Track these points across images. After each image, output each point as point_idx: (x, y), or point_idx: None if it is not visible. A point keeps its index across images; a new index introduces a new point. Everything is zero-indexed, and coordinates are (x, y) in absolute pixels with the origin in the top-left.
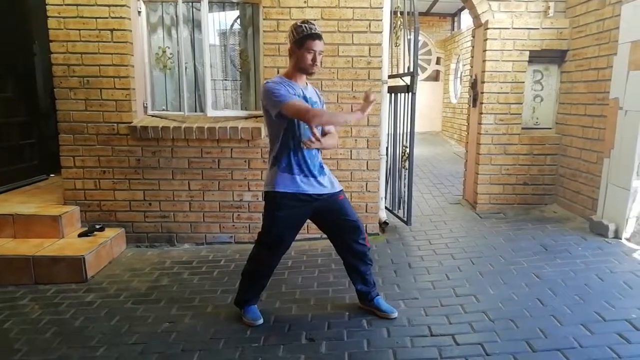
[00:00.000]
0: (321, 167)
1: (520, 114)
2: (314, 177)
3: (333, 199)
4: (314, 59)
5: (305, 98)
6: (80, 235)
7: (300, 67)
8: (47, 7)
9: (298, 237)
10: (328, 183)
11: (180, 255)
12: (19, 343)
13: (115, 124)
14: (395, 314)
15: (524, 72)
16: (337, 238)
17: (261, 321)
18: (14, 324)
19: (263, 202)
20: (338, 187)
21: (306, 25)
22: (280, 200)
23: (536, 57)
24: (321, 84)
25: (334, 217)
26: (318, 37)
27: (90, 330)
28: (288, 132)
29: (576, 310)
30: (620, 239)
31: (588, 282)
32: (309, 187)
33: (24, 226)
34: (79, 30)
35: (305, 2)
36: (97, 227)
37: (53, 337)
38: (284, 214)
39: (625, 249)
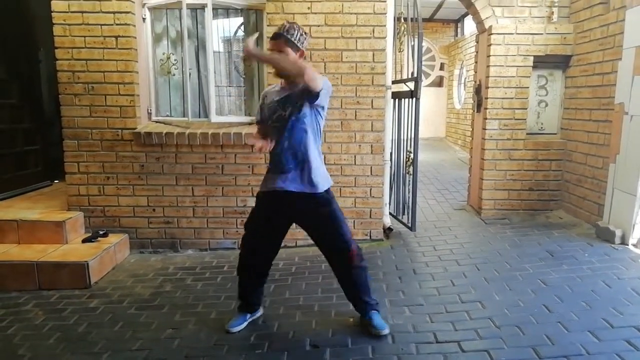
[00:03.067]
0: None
1: (524, 119)
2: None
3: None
4: None
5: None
6: (84, 241)
7: None
8: (52, 14)
9: (301, 242)
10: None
11: (183, 261)
12: (23, 349)
13: (120, 130)
14: (386, 331)
15: (529, 77)
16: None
17: (234, 330)
18: (18, 330)
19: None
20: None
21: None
22: None
23: (540, 62)
24: None
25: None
26: (272, 37)
27: (93, 336)
28: None
29: (583, 316)
30: (627, 245)
31: (595, 289)
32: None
33: (28, 232)
34: (84, 37)
35: (309, 8)
36: (101, 232)
37: (57, 343)
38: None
39: (632, 255)
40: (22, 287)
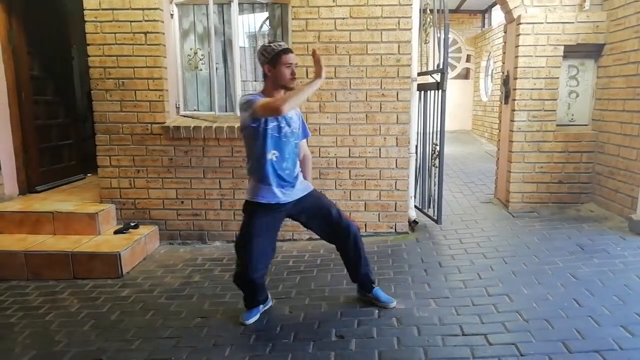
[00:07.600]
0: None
1: (554, 110)
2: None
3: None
4: (292, 73)
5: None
6: (116, 232)
7: (280, 83)
8: (84, 12)
9: None
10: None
11: (211, 253)
12: (60, 335)
13: (149, 124)
14: (394, 304)
15: (559, 67)
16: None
17: (248, 322)
18: (55, 317)
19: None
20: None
21: (274, 43)
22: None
23: (571, 51)
24: (350, 82)
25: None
26: (290, 50)
27: (125, 323)
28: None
29: (615, 311)
30: None
31: (628, 283)
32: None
33: (63, 223)
34: (115, 33)
35: (334, 0)
36: (132, 224)
37: (91, 330)
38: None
39: None
40: (58, 276)
